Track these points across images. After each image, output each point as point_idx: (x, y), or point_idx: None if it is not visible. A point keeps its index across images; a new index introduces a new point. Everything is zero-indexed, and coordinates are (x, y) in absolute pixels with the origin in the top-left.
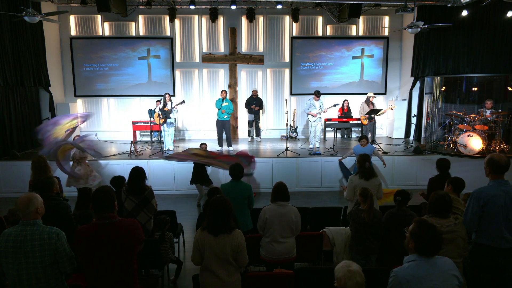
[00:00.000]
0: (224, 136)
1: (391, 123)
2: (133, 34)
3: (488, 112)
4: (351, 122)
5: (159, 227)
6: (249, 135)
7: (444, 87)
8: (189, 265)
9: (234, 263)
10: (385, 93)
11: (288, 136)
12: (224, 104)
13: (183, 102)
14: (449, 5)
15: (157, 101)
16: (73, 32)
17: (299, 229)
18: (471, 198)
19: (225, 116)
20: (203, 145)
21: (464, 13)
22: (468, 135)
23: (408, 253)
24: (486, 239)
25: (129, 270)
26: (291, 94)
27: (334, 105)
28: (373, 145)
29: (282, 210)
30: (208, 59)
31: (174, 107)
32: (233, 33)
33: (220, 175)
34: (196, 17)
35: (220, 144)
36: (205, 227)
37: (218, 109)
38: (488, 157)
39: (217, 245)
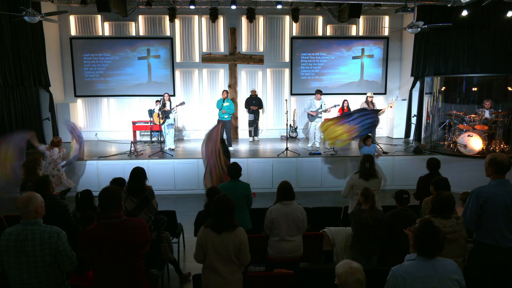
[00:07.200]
0: (224, 136)
1: (391, 123)
2: (133, 34)
3: (487, 112)
4: None
5: (156, 227)
6: (250, 135)
7: (444, 87)
8: (189, 265)
9: (237, 261)
10: (385, 93)
11: (288, 136)
12: (225, 104)
13: (183, 103)
14: (449, 5)
15: (156, 101)
16: (73, 32)
17: (306, 226)
18: (471, 196)
19: (226, 116)
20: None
21: (464, 13)
22: (468, 135)
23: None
24: (487, 238)
25: (137, 270)
26: (291, 94)
27: (335, 106)
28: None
29: (287, 209)
30: (208, 59)
31: (173, 108)
32: (233, 33)
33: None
34: (196, 17)
35: None
36: (208, 224)
37: (219, 110)
38: (491, 158)
39: (220, 243)
